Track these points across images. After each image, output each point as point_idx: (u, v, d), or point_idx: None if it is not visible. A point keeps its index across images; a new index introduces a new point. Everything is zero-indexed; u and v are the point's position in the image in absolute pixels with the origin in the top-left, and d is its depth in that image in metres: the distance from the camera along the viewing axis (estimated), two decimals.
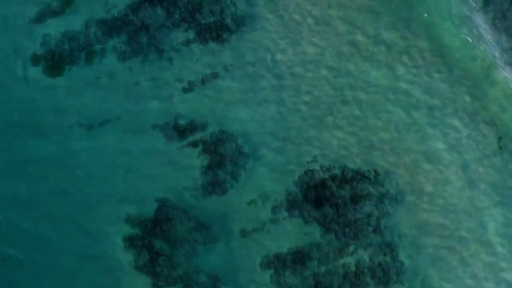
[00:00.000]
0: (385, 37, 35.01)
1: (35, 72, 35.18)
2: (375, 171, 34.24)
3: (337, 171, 34.25)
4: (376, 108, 34.71)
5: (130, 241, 33.98)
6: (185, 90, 34.72)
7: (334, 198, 33.99)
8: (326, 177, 34.13)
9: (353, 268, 33.78)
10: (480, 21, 35.25)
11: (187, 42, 35.07)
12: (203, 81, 34.73)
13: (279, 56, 34.92)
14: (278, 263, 33.80)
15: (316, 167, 34.17)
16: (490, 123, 34.82)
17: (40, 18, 35.52)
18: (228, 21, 35.14)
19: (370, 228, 34.01)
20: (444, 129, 34.70)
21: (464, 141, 34.63)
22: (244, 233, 33.85)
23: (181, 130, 34.42)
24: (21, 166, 34.64)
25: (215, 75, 34.74)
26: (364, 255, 33.85)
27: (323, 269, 33.70)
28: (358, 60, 35.07)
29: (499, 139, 34.92)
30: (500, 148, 34.86)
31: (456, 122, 34.77)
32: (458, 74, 34.98)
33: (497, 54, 35.18)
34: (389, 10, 35.15)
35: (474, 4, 35.24)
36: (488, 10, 35.34)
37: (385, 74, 34.93)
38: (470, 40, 35.19)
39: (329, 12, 35.28)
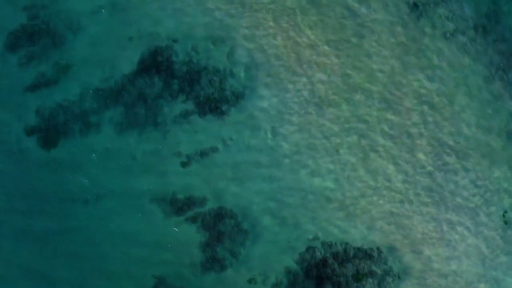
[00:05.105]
0: None
1: (29, 144, 34.30)
2: (378, 248, 33.42)
3: (339, 248, 33.41)
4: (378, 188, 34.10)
5: None
6: (183, 164, 33.80)
7: (335, 276, 33.14)
8: (328, 255, 33.28)
9: None
10: None
11: (185, 114, 34.19)
12: (202, 155, 33.82)
13: (279, 130, 34.05)
14: None
15: (317, 244, 33.33)
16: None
17: (34, 87, 34.70)
18: (228, 93, 34.26)
19: None
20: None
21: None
22: None
23: (179, 206, 33.52)
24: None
25: (214, 149, 33.85)
26: None
27: None
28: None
29: (504, 213, 34.21)
30: (506, 223, 34.12)
31: (465, 193, 34.19)
32: None
33: None
34: None
35: None
36: None
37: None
38: None
39: (333, 85, 34.62)
